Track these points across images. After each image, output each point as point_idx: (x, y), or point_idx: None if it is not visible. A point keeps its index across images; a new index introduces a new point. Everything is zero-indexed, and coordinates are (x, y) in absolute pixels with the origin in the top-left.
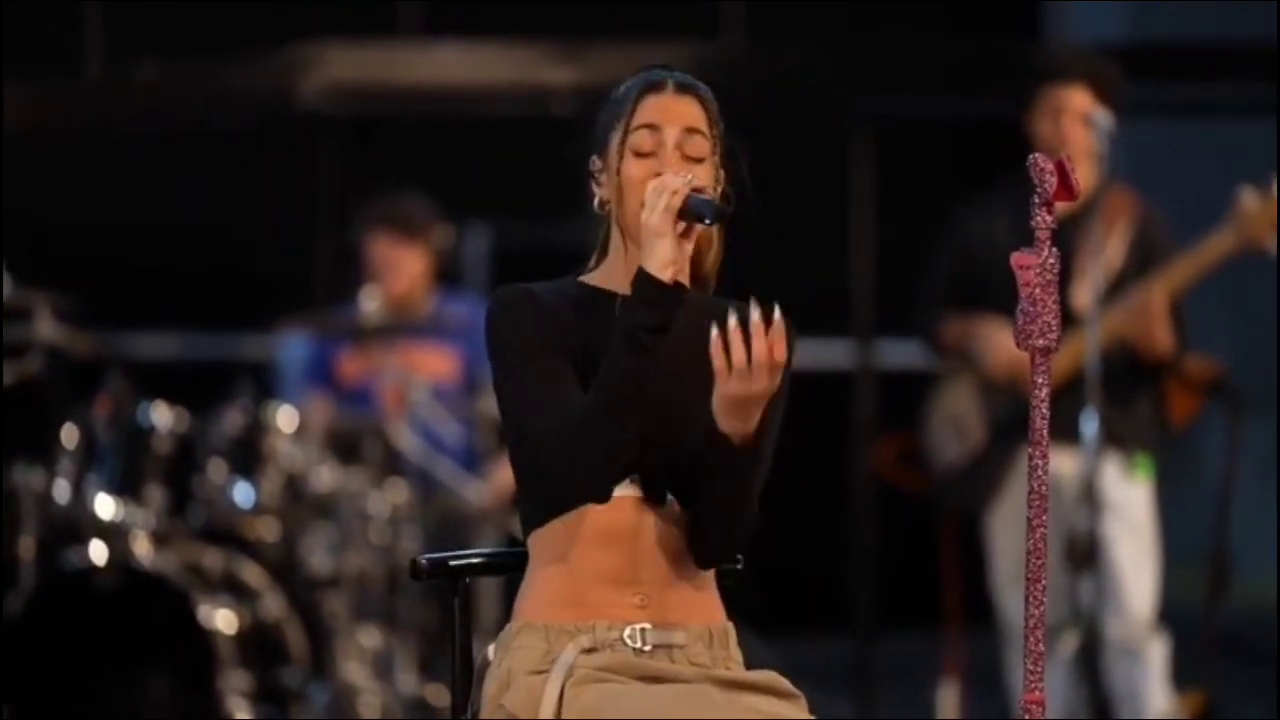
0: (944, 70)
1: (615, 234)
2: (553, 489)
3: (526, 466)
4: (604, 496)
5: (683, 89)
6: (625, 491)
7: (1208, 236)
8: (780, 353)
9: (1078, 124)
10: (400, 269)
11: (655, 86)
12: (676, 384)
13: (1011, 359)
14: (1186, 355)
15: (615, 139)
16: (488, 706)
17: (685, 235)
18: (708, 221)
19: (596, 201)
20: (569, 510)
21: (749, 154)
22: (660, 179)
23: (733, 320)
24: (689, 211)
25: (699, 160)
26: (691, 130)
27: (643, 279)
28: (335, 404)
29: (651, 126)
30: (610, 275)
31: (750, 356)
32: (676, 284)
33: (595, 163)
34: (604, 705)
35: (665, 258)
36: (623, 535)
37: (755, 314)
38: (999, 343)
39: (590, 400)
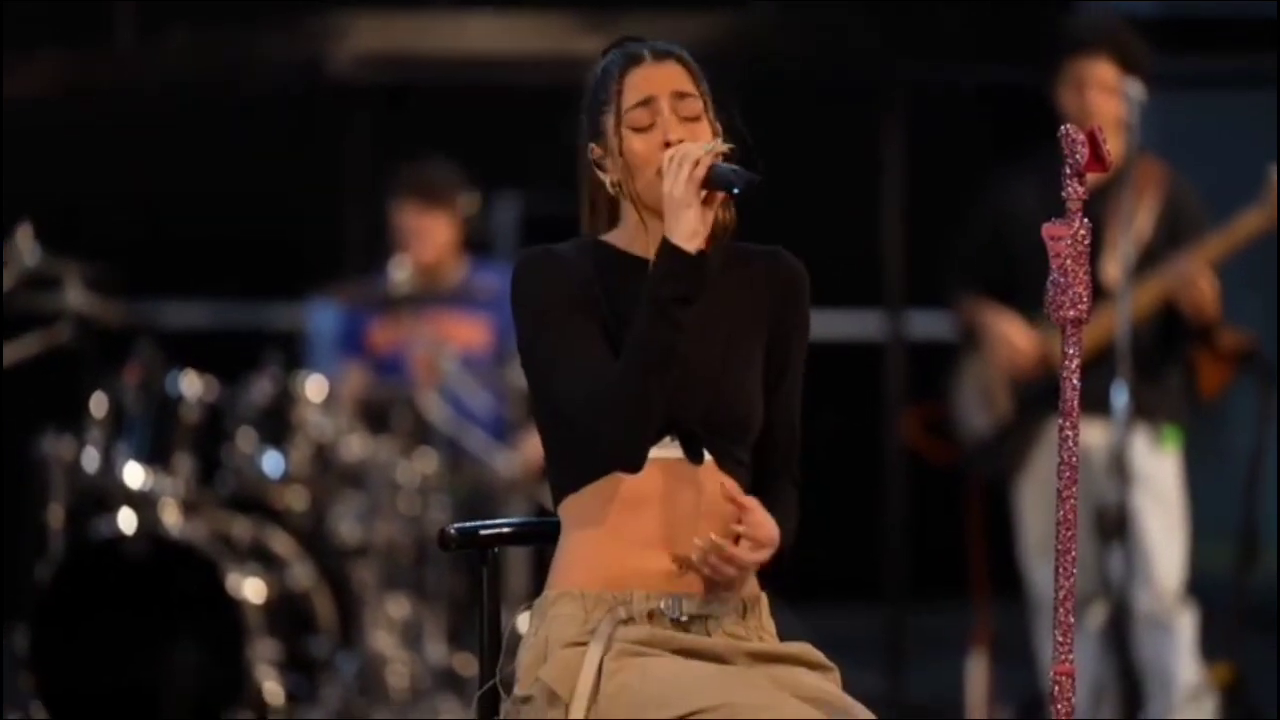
0: (976, 39)
1: (629, 208)
2: (583, 454)
3: (556, 430)
4: (635, 465)
5: (661, 55)
6: (664, 453)
7: (1239, 214)
8: (766, 534)
9: (1103, 96)
10: (427, 237)
11: (634, 60)
12: (714, 341)
13: (1011, 359)
14: (1220, 326)
15: (610, 122)
16: (524, 677)
17: (708, 203)
18: (736, 191)
19: (608, 184)
20: (601, 469)
21: (737, 106)
22: (679, 148)
23: (704, 543)
24: (714, 180)
25: (695, 119)
26: (681, 94)
27: (668, 250)
28: (368, 372)
29: (644, 101)
30: (631, 240)
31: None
32: (701, 253)
33: (595, 150)
34: (642, 680)
35: (691, 228)
36: (659, 500)
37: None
38: (1004, 339)
39: (619, 372)
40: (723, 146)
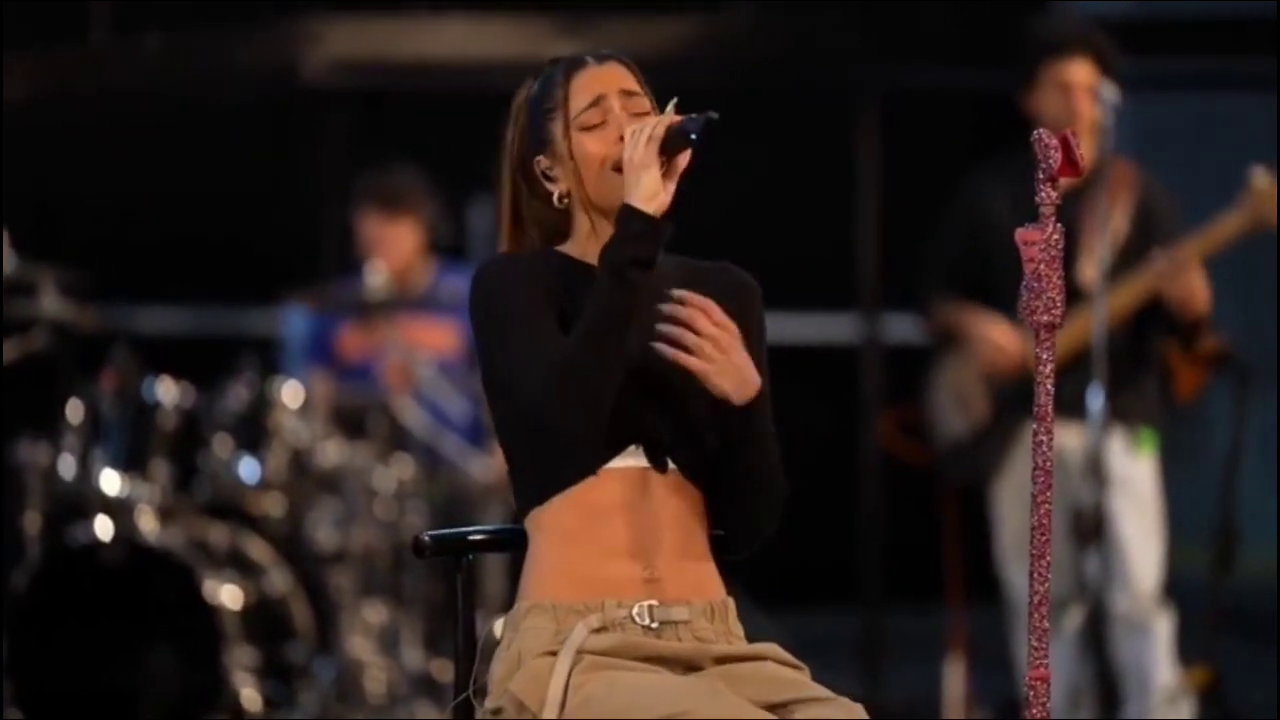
0: (951, 41)
1: (582, 216)
2: (544, 462)
3: (518, 431)
4: (594, 442)
5: (603, 58)
6: (628, 462)
7: (1218, 216)
8: (715, 312)
9: (1086, 97)
10: (392, 245)
11: (577, 64)
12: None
13: (996, 359)
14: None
15: (558, 128)
16: (496, 689)
17: (668, 175)
18: (695, 137)
19: (556, 197)
20: (565, 478)
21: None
22: (637, 123)
23: (668, 326)
24: (674, 138)
25: (644, 115)
26: (629, 92)
27: (628, 213)
28: (336, 380)
29: (594, 100)
30: (584, 250)
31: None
32: (662, 218)
33: (542, 161)
34: (609, 694)
35: (650, 189)
36: (625, 509)
37: (675, 302)
38: (988, 339)
39: (574, 337)
40: (676, 117)
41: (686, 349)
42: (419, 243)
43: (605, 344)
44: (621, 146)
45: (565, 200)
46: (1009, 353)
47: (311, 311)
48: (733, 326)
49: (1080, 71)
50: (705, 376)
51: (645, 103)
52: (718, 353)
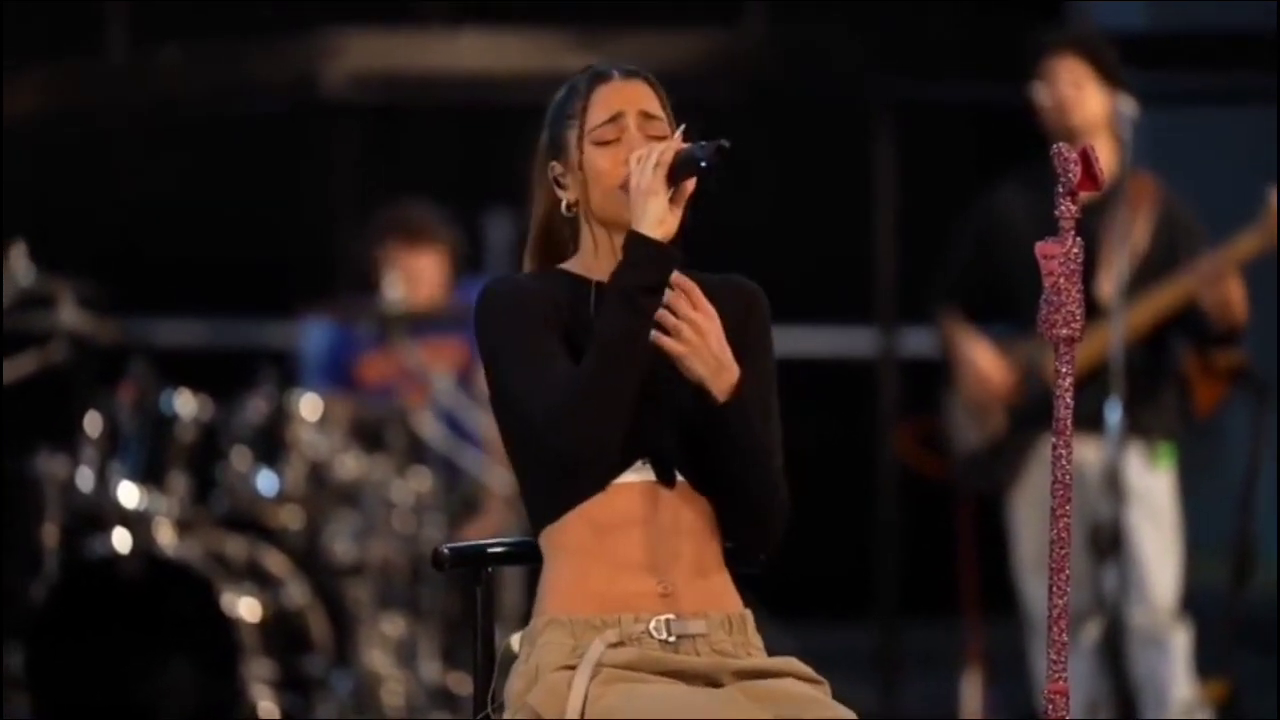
0: (967, 56)
1: (586, 230)
2: (555, 467)
3: (528, 452)
4: (606, 467)
5: (629, 74)
6: (637, 476)
7: (1236, 235)
8: (696, 296)
9: (1073, 89)
10: (419, 276)
11: (602, 77)
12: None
13: (979, 392)
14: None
15: (573, 136)
16: (514, 703)
17: (674, 201)
18: (704, 164)
19: (564, 205)
20: (576, 494)
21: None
22: (645, 147)
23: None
24: (683, 165)
25: (660, 140)
26: (648, 115)
27: (635, 240)
28: (354, 403)
29: (612, 116)
30: (589, 265)
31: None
32: (670, 244)
33: (555, 167)
34: (627, 705)
35: (657, 215)
36: (638, 523)
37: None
38: (972, 366)
39: (587, 364)
40: (682, 144)
41: (664, 330)
42: (444, 272)
43: (619, 372)
44: (629, 167)
45: (573, 209)
46: (993, 382)
47: (331, 325)
48: (712, 311)
49: (1067, 66)
50: (680, 360)
51: (664, 127)
52: (696, 336)
